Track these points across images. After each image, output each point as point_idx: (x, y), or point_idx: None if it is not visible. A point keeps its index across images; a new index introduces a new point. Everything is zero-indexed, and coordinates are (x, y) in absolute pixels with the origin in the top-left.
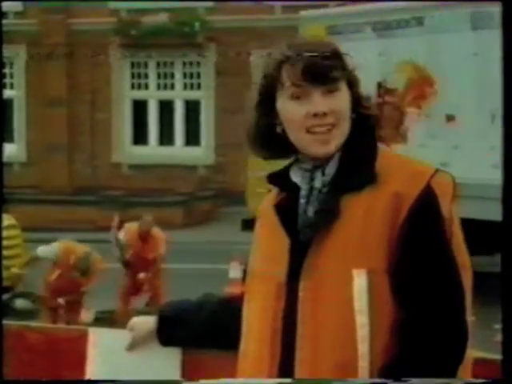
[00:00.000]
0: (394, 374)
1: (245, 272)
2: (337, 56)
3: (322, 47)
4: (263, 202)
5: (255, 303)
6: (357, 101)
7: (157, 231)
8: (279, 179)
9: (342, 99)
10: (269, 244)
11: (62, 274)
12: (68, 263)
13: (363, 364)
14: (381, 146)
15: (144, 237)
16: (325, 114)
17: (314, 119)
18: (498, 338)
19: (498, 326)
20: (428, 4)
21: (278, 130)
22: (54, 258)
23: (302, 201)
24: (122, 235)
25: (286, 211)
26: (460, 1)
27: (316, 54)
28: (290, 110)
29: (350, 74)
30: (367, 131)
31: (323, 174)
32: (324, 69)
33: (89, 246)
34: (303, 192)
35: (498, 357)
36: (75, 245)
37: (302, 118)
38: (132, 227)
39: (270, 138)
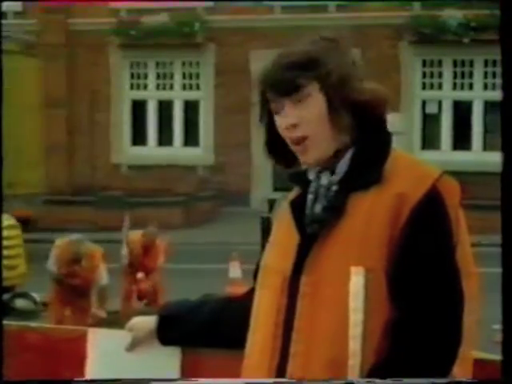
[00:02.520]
0: (386, 373)
1: (256, 269)
2: (304, 62)
3: (289, 56)
4: (285, 198)
5: (264, 296)
6: (341, 100)
7: (160, 241)
8: (298, 177)
9: (313, 106)
10: (282, 239)
11: (68, 272)
12: (68, 258)
13: (354, 362)
14: (394, 148)
15: (147, 247)
16: (295, 126)
17: (287, 132)
18: (497, 338)
19: (497, 327)
20: None
21: (280, 140)
22: (55, 265)
23: (311, 197)
24: (124, 249)
25: (299, 207)
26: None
27: (279, 68)
28: (277, 124)
29: (323, 77)
30: (380, 131)
31: (333, 172)
32: (286, 80)
33: (80, 236)
34: (311, 189)
35: (497, 357)
36: (68, 238)
37: (282, 131)
38: (135, 237)
39: (280, 149)
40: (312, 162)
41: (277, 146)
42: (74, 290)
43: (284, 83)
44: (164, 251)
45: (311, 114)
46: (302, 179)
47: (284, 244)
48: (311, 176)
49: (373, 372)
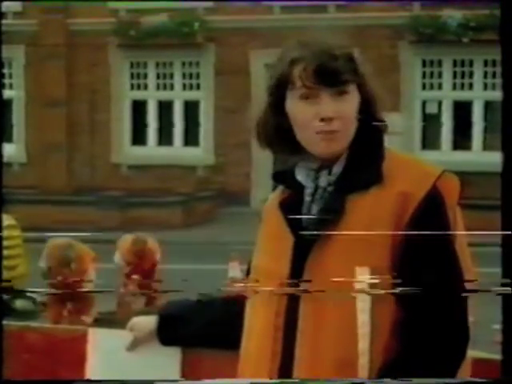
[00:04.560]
0: (395, 372)
1: (247, 272)
2: (349, 58)
3: (335, 49)
4: (268, 200)
5: (258, 301)
6: (366, 104)
7: (151, 244)
8: (284, 177)
9: (350, 103)
10: (273, 241)
11: (56, 273)
12: (57, 262)
13: (363, 362)
14: (388, 147)
15: (139, 254)
16: (331, 119)
17: (320, 123)
18: (497, 338)
19: (497, 327)
20: None
21: (286, 126)
22: (46, 263)
23: (307, 199)
24: (117, 256)
25: (291, 209)
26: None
27: (328, 56)
28: (299, 110)
29: (361, 78)
30: (375, 132)
31: (330, 173)
32: (335, 71)
33: (81, 244)
34: (308, 190)
35: (497, 357)
36: (60, 240)
37: (310, 119)
38: (125, 244)
39: (279, 135)
40: (336, 151)
41: (278, 134)
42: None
43: (333, 73)
44: (158, 252)
45: (347, 110)
46: (289, 179)
47: (276, 247)
48: (300, 176)
49: (382, 371)
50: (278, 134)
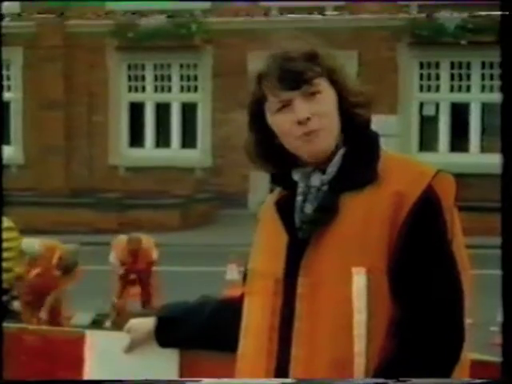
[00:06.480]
0: (390, 372)
1: (245, 273)
2: (309, 56)
3: (294, 52)
4: (266, 201)
5: (254, 300)
6: (344, 98)
7: (146, 243)
8: (282, 179)
9: (324, 101)
10: (269, 241)
11: (42, 272)
12: (50, 261)
13: (359, 361)
14: (383, 147)
15: (134, 253)
16: (308, 119)
17: (299, 127)
18: (495, 340)
19: (495, 329)
20: None
21: (277, 141)
22: (35, 253)
23: (299, 198)
24: (112, 256)
25: (286, 208)
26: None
27: (287, 60)
28: (278, 123)
29: (330, 73)
30: (370, 131)
31: (324, 172)
32: (297, 72)
33: (78, 247)
34: (300, 189)
35: (495, 359)
36: (59, 244)
37: (289, 127)
38: (120, 244)
39: (271, 151)
40: (324, 150)
41: (269, 150)
42: (44, 283)
43: (294, 74)
44: (153, 250)
45: (323, 108)
46: (286, 180)
47: (271, 246)
48: (296, 177)
49: (378, 371)
50: (270, 150)
